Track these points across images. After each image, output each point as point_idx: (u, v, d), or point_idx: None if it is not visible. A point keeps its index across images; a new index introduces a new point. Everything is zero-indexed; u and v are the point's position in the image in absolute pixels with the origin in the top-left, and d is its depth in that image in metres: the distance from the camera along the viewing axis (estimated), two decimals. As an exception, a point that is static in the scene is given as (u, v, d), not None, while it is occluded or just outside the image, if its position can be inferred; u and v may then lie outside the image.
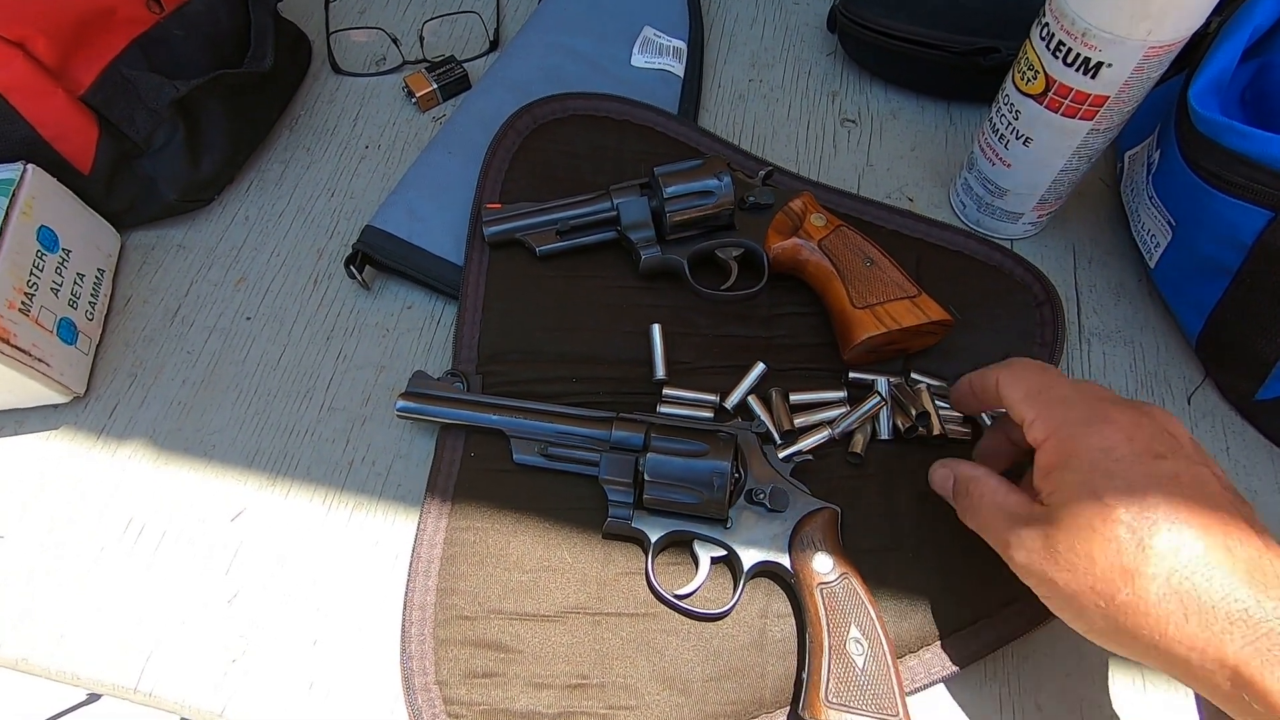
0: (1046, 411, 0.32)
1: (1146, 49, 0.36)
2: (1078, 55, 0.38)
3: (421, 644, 0.37)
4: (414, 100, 0.58)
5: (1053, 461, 0.31)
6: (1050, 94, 0.40)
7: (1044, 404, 0.32)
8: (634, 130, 0.51)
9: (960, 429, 0.41)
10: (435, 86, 0.58)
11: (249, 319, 0.50)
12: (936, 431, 0.40)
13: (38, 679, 0.40)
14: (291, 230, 0.53)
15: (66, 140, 0.47)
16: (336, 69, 0.61)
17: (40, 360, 0.43)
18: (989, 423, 0.41)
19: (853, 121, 0.57)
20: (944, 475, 0.36)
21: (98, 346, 0.48)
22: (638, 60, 0.56)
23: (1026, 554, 0.30)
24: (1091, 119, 0.40)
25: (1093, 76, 0.38)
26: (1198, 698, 0.37)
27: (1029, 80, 0.41)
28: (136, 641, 0.40)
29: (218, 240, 0.53)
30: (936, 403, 0.41)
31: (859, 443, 0.41)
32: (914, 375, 0.43)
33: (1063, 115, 0.41)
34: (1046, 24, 0.39)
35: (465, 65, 0.59)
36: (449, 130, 0.53)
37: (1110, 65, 0.37)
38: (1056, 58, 0.39)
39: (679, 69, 0.56)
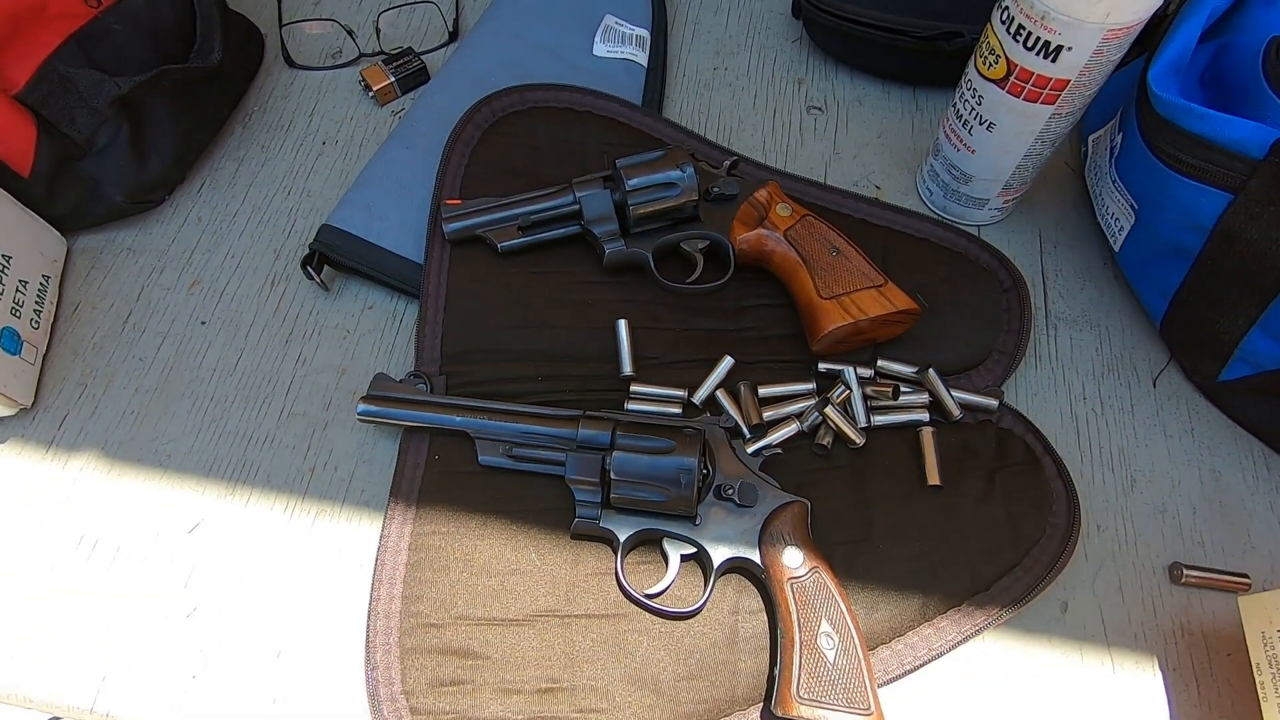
0: None
1: (1105, 31, 0.36)
2: (1038, 39, 0.37)
3: (387, 654, 0.36)
4: (371, 94, 0.57)
5: None
6: (1012, 78, 0.40)
7: None
8: (596, 121, 0.50)
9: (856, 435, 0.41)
10: (393, 79, 0.56)
11: (204, 323, 0.48)
12: (859, 444, 0.40)
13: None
14: (246, 231, 0.52)
15: (3, 142, 0.45)
16: (290, 62, 0.59)
17: (-19, 372, 0.41)
18: (958, 414, 0.41)
19: (819, 109, 0.57)
20: None
21: (45, 356, 0.47)
22: (600, 49, 0.55)
23: None
24: (1053, 103, 0.40)
25: (1053, 60, 0.38)
26: (1165, 680, 0.37)
27: (990, 65, 0.41)
28: (92, 660, 0.38)
29: (169, 243, 0.51)
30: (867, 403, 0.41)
31: (825, 435, 0.41)
32: (881, 363, 0.43)
33: (1024, 100, 0.40)
34: (1006, 8, 0.38)
35: (424, 57, 0.58)
36: (407, 124, 0.52)
37: (1070, 49, 0.37)
38: (1017, 42, 0.38)
39: (642, 58, 0.55)
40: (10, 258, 0.45)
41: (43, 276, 0.47)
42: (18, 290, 0.45)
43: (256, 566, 0.41)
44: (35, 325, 0.46)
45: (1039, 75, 0.39)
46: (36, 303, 0.46)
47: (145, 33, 0.49)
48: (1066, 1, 0.35)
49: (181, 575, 0.41)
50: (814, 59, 0.59)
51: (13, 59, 0.44)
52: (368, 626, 0.37)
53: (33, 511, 0.42)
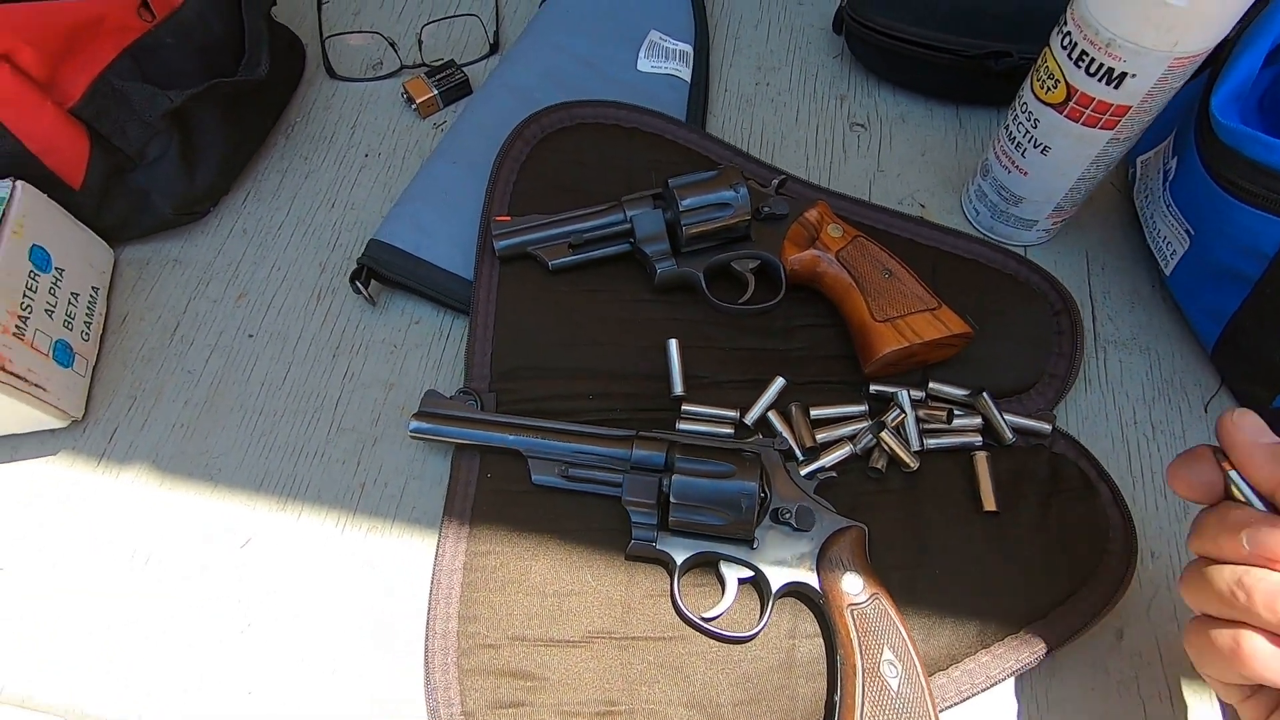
0: None
1: (1172, 59, 0.36)
2: (1101, 65, 0.37)
3: (446, 674, 0.36)
4: (414, 106, 0.57)
5: None
6: (1071, 103, 0.40)
7: None
8: (643, 138, 0.50)
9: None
10: (436, 92, 0.56)
11: (251, 336, 0.48)
12: (914, 468, 0.40)
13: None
14: (292, 243, 0.52)
15: (56, 154, 0.45)
16: (332, 74, 0.59)
17: (37, 385, 0.41)
18: (1011, 437, 0.41)
19: (862, 126, 0.57)
20: (1259, 423, 0.28)
21: (94, 367, 0.47)
22: (643, 65, 0.55)
23: None
24: (1113, 128, 0.40)
25: (1115, 87, 0.38)
26: (1223, 708, 0.37)
27: (1049, 89, 0.41)
28: (146, 676, 0.39)
29: (215, 254, 0.51)
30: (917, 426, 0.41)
31: (880, 458, 0.41)
32: (933, 386, 0.43)
33: (1083, 125, 0.40)
34: (1069, 33, 0.38)
35: (465, 69, 0.58)
36: (452, 139, 0.52)
37: (1134, 76, 0.37)
38: (1079, 68, 0.38)
39: (686, 73, 0.55)
40: (63, 270, 0.45)
41: (92, 288, 0.48)
42: (69, 303, 0.45)
43: (309, 583, 0.41)
44: (85, 337, 0.46)
45: (1100, 101, 0.39)
46: (87, 315, 0.47)
47: (195, 46, 0.49)
48: (1135, 30, 0.35)
49: (235, 590, 0.41)
50: (856, 74, 0.59)
51: (69, 72, 0.44)
52: (426, 646, 0.37)
53: (85, 525, 0.42)
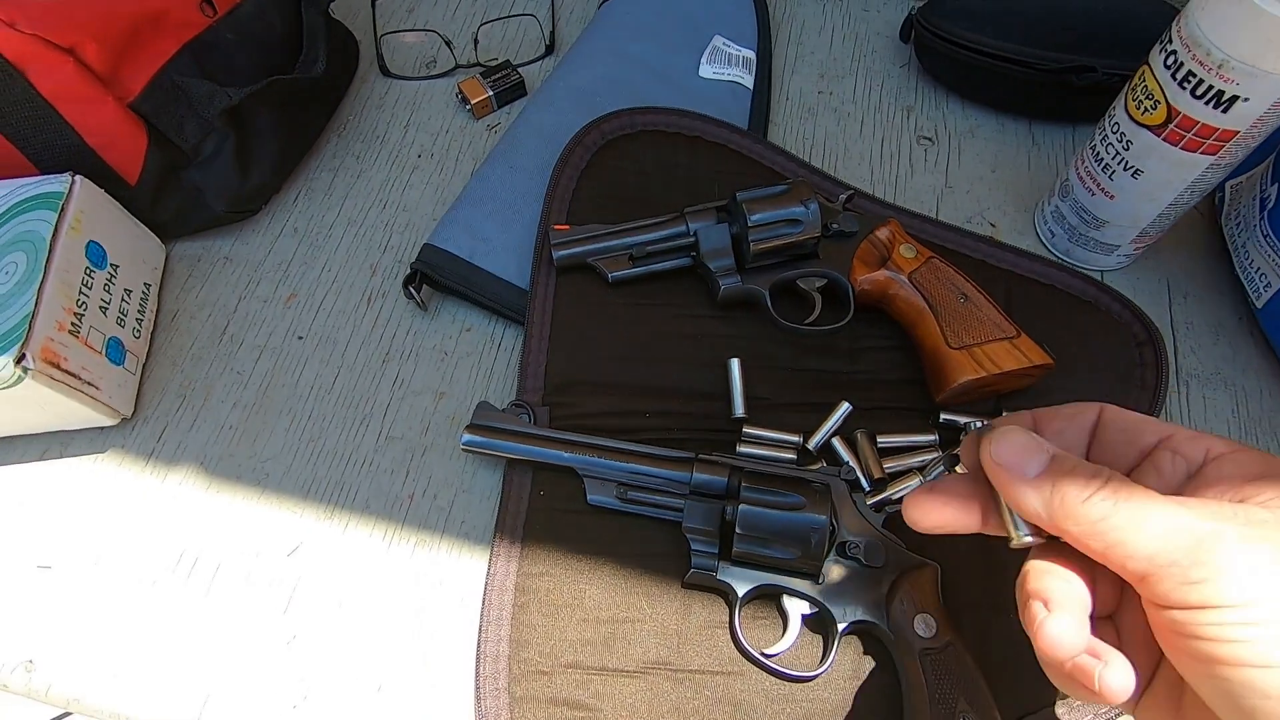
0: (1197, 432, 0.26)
1: (1290, 83, 0.33)
2: (1210, 88, 0.35)
3: (496, 699, 0.35)
4: (468, 107, 0.56)
5: (1259, 470, 0.24)
6: (1171, 126, 0.38)
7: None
8: (706, 147, 0.48)
9: None
10: (490, 93, 0.55)
11: (301, 338, 0.48)
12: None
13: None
14: (343, 244, 0.51)
15: (114, 149, 0.45)
16: (386, 72, 0.58)
17: (89, 384, 0.41)
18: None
19: (929, 139, 0.54)
20: (1029, 445, 0.25)
21: (144, 365, 0.46)
22: (706, 71, 0.54)
23: (1258, 556, 0.21)
24: (1215, 154, 0.38)
25: (1224, 111, 0.35)
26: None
27: (1146, 110, 0.39)
28: (193, 683, 0.38)
29: (266, 253, 0.51)
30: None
31: (952, 491, 0.39)
32: (1007, 416, 0.41)
33: (1182, 149, 0.38)
34: (1174, 52, 0.36)
35: (521, 70, 0.56)
36: (509, 143, 0.51)
37: (1247, 100, 0.35)
38: (1184, 89, 0.36)
39: (748, 80, 0.54)
40: (118, 267, 0.44)
41: (144, 284, 0.47)
42: (123, 300, 0.45)
43: (356, 595, 0.40)
44: (137, 335, 0.46)
45: (1204, 125, 0.37)
46: (139, 312, 0.46)
47: (255, 43, 0.48)
48: (1252, 51, 0.33)
49: (282, 600, 0.40)
50: (924, 85, 0.57)
51: (131, 67, 0.43)
52: (476, 670, 0.36)
53: (133, 525, 0.42)
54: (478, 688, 0.36)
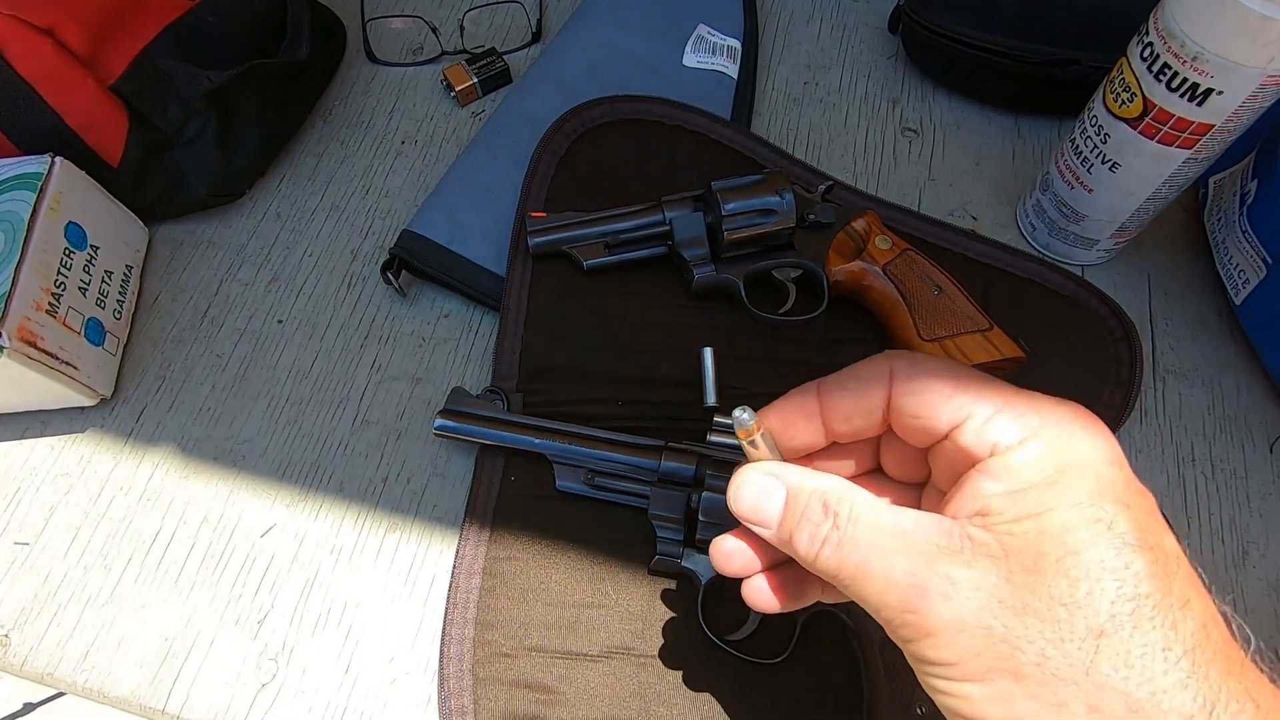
0: (1011, 403, 0.21)
1: (1265, 77, 0.33)
2: (1184, 80, 0.35)
3: (460, 681, 0.35)
4: (453, 94, 0.56)
5: (1028, 476, 0.20)
6: (1147, 119, 0.37)
7: (1003, 393, 0.22)
8: (686, 136, 0.48)
9: None
10: (475, 80, 0.55)
11: (281, 322, 0.48)
12: None
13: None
14: (325, 229, 0.51)
15: (95, 131, 0.45)
16: (372, 58, 0.58)
17: (67, 364, 0.41)
18: None
19: (914, 131, 0.54)
20: (764, 489, 0.24)
21: (125, 346, 0.47)
22: (690, 60, 0.53)
23: (966, 602, 0.20)
24: (1191, 147, 0.37)
25: (1199, 104, 0.35)
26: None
27: (1123, 103, 0.38)
28: (165, 660, 0.38)
29: (249, 237, 0.51)
30: None
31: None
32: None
33: (1159, 142, 0.38)
34: (1150, 44, 0.36)
35: (506, 58, 0.56)
36: (491, 129, 0.51)
37: (1221, 93, 0.34)
38: (1160, 81, 0.36)
39: (733, 70, 0.54)
40: (98, 248, 0.45)
41: (126, 266, 0.47)
42: (103, 281, 0.45)
43: (328, 576, 0.40)
44: (118, 316, 0.46)
45: (1180, 118, 0.36)
46: (120, 293, 0.46)
47: (237, 26, 0.48)
48: (1226, 44, 0.32)
49: (254, 580, 0.40)
50: (910, 78, 0.57)
51: (111, 49, 0.44)
52: (441, 652, 0.36)
53: (110, 503, 0.42)
54: (442, 668, 0.36)
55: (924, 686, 0.21)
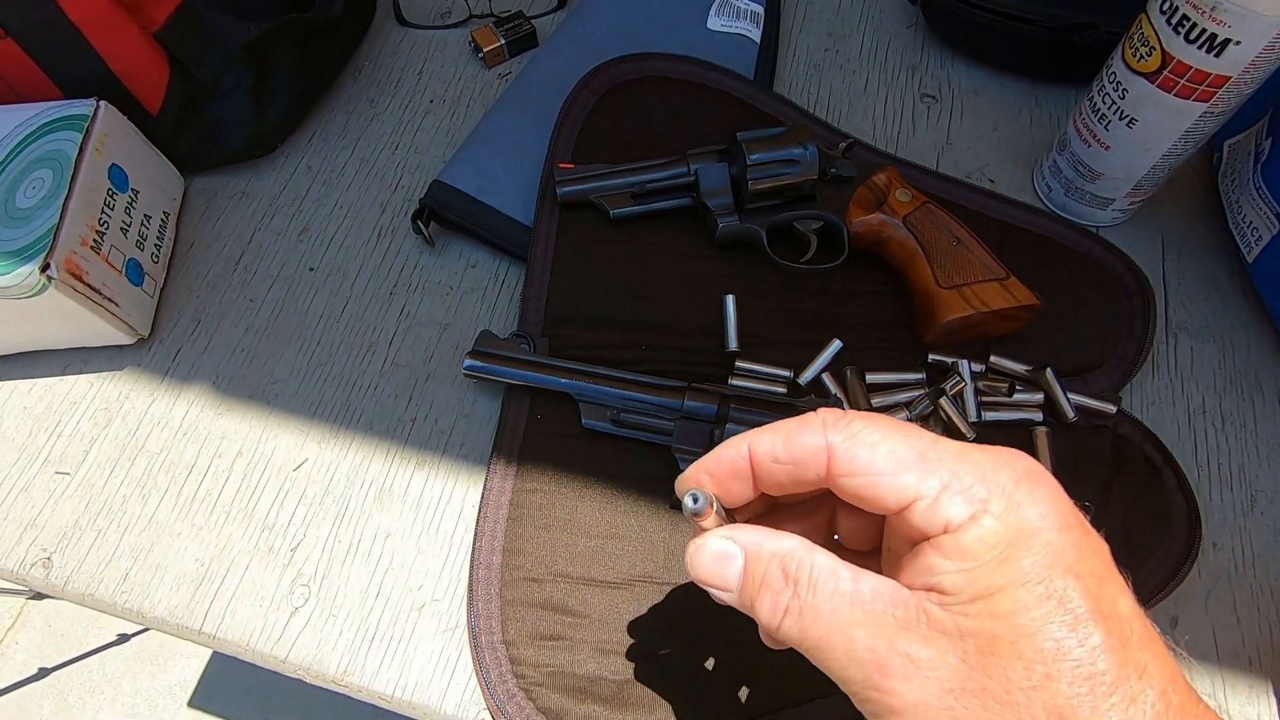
0: (957, 475, 0.21)
1: (1281, 26, 0.34)
2: (1202, 31, 0.36)
3: (488, 603, 0.37)
4: (480, 56, 0.57)
5: (978, 552, 0.20)
6: (1165, 72, 0.38)
7: (949, 464, 0.21)
8: (712, 96, 0.49)
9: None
10: (503, 42, 0.56)
11: (312, 270, 0.49)
12: (970, 439, 0.38)
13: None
14: (355, 182, 0.53)
15: (137, 79, 0.46)
16: (402, 20, 0.59)
17: (109, 300, 0.43)
18: (1073, 416, 0.40)
19: (932, 97, 0.55)
20: (721, 555, 0.24)
21: (162, 290, 0.48)
22: (714, 23, 0.54)
23: (927, 683, 0.20)
24: (1207, 100, 0.38)
25: (1216, 55, 0.36)
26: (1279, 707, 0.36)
27: (1142, 57, 0.39)
28: (201, 585, 0.40)
29: (280, 189, 0.52)
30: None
31: (935, 427, 0.40)
32: (994, 359, 0.42)
33: (1176, 95, 0.39)
34: (1170, -4, 0.37)
35: (534, 21, 0.58)
36: (519, 88, 0.52)
37: (1238, 43, 0.35)
38: (1178, 33, 0.37)
39: (756, 34, 0.55)
40: (138, 192, 0.46)
41: (163, 212, 0.49)
42: (143, 224, 0.46)
43: (358, 509, 0.42)
44: (155, 260, 0.47)
45: (1197, 70, 0.37)
46: (157, 238, 0.48)
47: (275, -21, 0.49)
48: (1244, -8, 0.33)
49: (287, 512, 0.42)
50: (929, 46, 0.57)
51: (156, -4, 0.45)
52: (470, 576, 0.38)
53: (148, 437, 0.44)
54: (470, 591, 0.37)
55: None
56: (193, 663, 1.27)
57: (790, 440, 0.23)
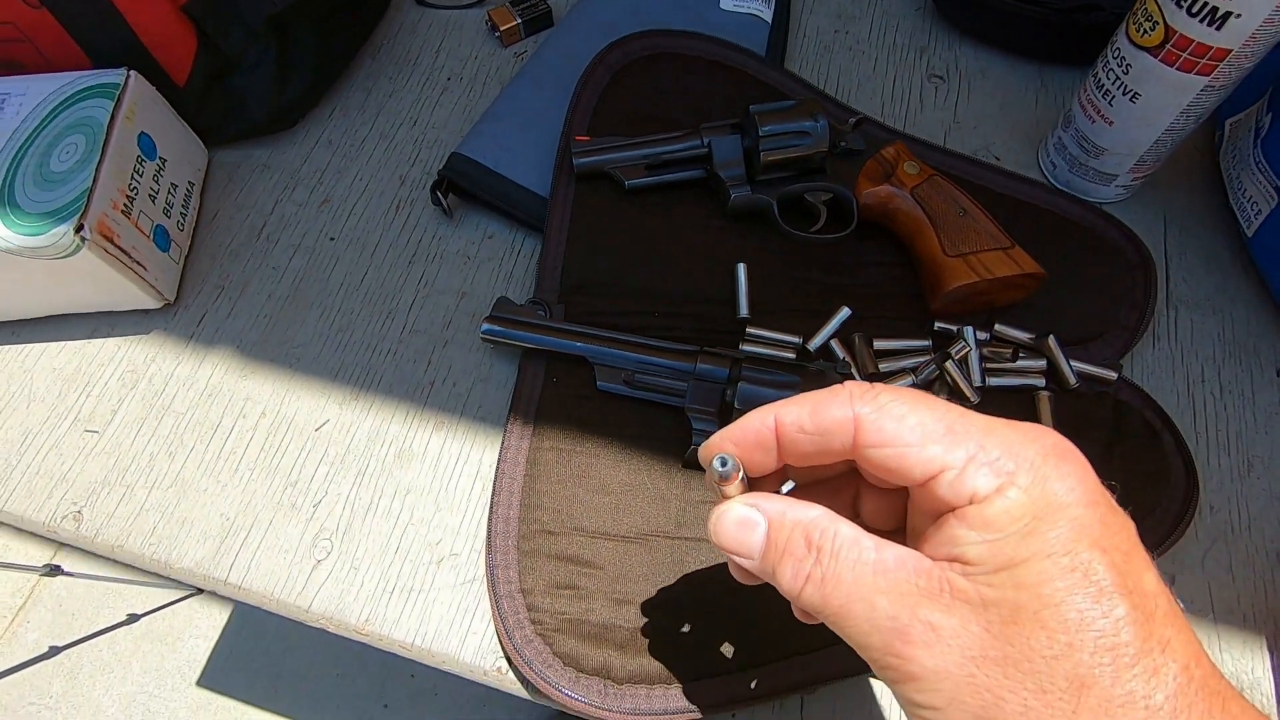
0: (985, 447, 0.21)
1: (1281, -2, 0.35)
2: (1204, 4, 0.37)
3: (506, 554, 0.38)
4: (497, 34, 0.58)
5: (1004, 525, 0.20)
6: (1168, 46, 0.39)
7: (976, 437, 0.21)
8: (725, 73, 0.51)
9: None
10: (519, 21, 0.58)
11: (333, 240, 0.50)
12: (974, 403, 0.39)
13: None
14: (374, 156, 0.54)
15: (165, 49, 0.47)
16: (420, 0, 0.60)
17: (138, 263, 0.44)
18: (1075, 382, 0.41)
19: (940, 78, 0.56)
20: (745, 521, 0.24)
21: (186, 257, 0.49)
22: (726, 3, 0.56)
23: (949, 650, 0.20)
24: (1209, 74, 0.39)
25: (1218, 28, 0.37)
26: (1274, 666, 0.37)
27: (1145, 32, 0.40)
28: (226, 538, 0.41)
29: (301, 162, 0.54)
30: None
31: (940, 391, 0.41)
32: (999, 328, 0.43)
33: (1178, 69, 0.40)
34: (1173, -29, 0.38)
35: (549, 1, 0.59)
36: (536, 64, 0.53)
37: (1239, 15, 0.36)
38: (1180, 7, 0.38)
39: (767, 14, 0.56)
40: (166, 160, 0.47)
41: (188, 182, 0.50)
42: (169, 192, 0.48)
43: (378, 468, 0.43)
44: (180, 227, 0.49)
45: (1199, 44, 0.38)
46: (183, 206, 0.49)
47: (299, -45, 0.51)
48: (1245, -36, 0.34)
49: (309, 470, 0.43)
50: (937, 28, 0.59)
51: (184, -31, 0.46)
52: (489, 528, 0.39)
53: (173, 399, 0.45)
54: (489, 542, 0.38)
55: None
56: (201, 643, 1.29)
57: (817, 411, 0.23)
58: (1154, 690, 0.19)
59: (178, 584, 1.32)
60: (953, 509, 0.21)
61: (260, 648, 1.28)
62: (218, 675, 1.26)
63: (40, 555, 1.37)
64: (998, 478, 0.20)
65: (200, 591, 1.32)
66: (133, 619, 1.26)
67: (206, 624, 1.30)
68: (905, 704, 0.21)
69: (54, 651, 1.20)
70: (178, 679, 1.26)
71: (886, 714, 0.37)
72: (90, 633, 1.25)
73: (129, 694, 1.25)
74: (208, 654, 1.28)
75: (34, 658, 1.18)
